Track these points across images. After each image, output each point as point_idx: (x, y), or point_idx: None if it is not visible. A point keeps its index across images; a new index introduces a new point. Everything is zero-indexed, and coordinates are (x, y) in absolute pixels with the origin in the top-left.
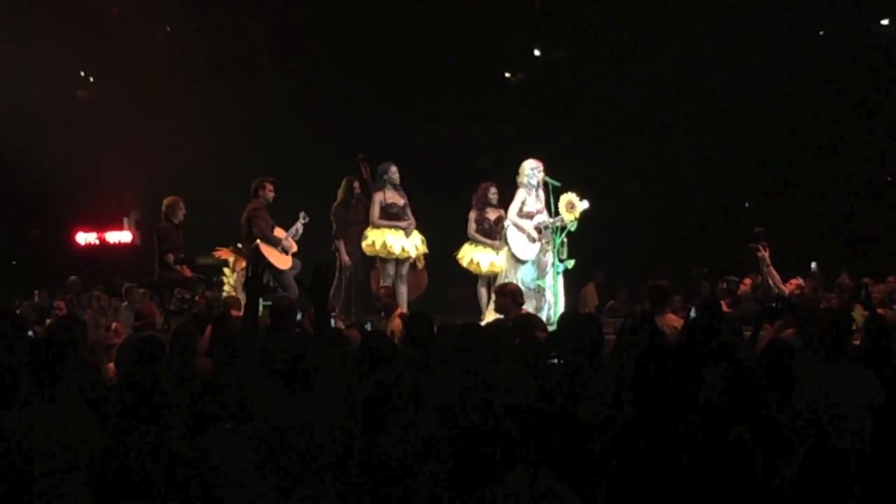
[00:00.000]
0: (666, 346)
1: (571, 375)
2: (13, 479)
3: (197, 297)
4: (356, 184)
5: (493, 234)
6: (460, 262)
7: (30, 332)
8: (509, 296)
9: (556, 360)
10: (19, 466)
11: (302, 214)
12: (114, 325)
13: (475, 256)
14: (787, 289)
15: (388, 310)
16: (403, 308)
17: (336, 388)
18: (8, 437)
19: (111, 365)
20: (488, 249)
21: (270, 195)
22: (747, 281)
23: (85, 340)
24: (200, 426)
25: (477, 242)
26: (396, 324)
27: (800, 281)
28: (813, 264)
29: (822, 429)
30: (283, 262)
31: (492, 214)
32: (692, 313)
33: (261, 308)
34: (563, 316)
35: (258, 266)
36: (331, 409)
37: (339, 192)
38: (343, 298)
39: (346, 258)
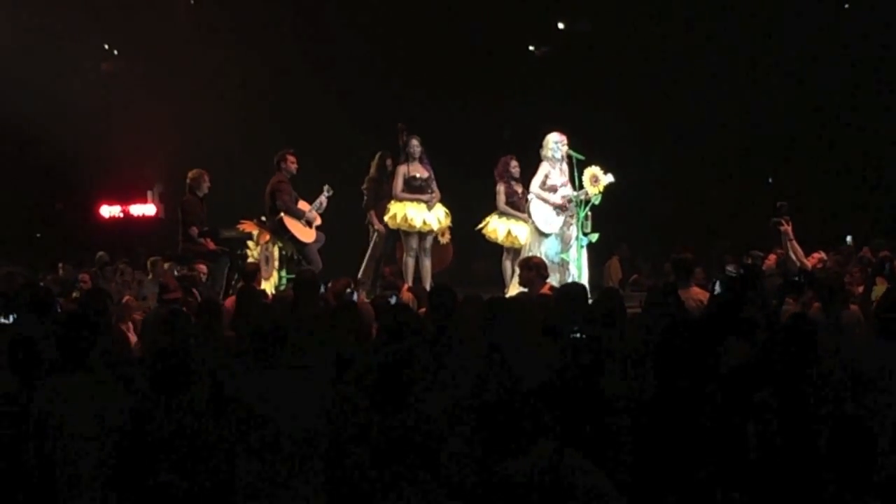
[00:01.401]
0: (689, 319)
1: (594, 349)
2: (40, 450)
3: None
4: (389, 161)
5: (522, 207)
6: (490, 234)
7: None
8: (534, 269)
9: (578, 335)
10: (46, 437)
11: (326, 187)
12: (125, 298)
13: (513, 230)
14: (809, 263)
15: (394, 288)
16: (427, 281)
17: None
18: (35, 409)
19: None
20: (521, 222)
21: (293, 167)
22: (772, 256)
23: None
24: (224, 399)
25: (509, 216)
26: (406, 297)
27: (822, 255)
28: (848, 238)
29: (848, 402)
30: (306, 234)
31: (518, 188)
32: (717, 287)
33: (284, 281)
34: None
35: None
36: (323, 388)
37: (372, 167)
38: (373, 273)
39: (380, 227)
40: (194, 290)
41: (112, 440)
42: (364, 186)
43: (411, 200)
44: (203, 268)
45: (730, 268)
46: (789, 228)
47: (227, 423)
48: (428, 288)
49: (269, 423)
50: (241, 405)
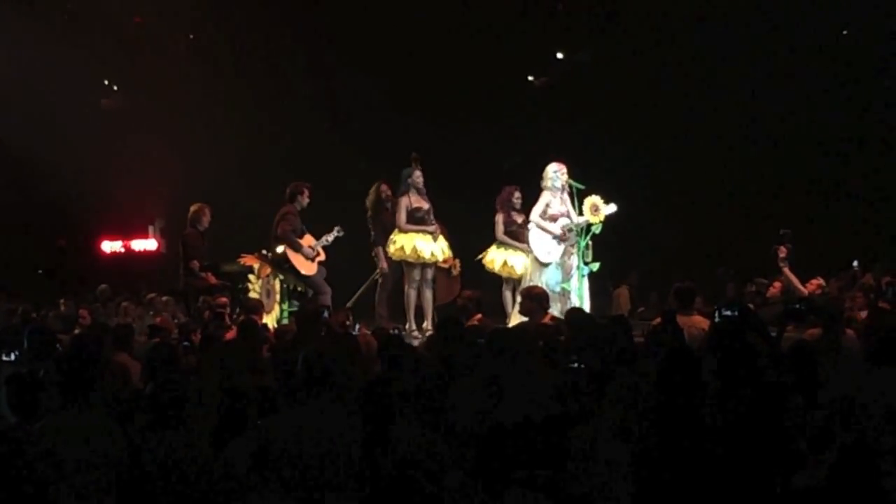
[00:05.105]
0: (686, 346)
1: (592, 379)
2: (37, 489)
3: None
4: (384, 186)
5: (522, 237)
6: (488, 265)
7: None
8: (535, 299)
9: (576, 364)
10: (43, 476)
11: (337, 228)
12: None
13: (509, 260)
14: (807, 289)
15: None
16: (430, 312)
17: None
18: (32, 447)
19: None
20: (519, 252)
21: (306, 202)
22: (777, 284)
23: (131, 345)
24: (226, 434)
25: (507, 246)
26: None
27: (820, 281)
28: (855, 263)
29: (852, 429)
30: (307, 267)
31: (518, 218)
32: (717, 315)
33: (286, 314)
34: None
35: None
36: (345, 417)
37: (371, 199)
38: (389, 306)
39: (384, 265)
40: (226, 318)
41: (110, 477)
42: (370, 221)
43: (417, 232)
44: (224, 300)
45: (727, 311)
46: (783, 255)
47: (236, 456)
48: (430, 319)
49: (292, 456)
50: (258, 438)
